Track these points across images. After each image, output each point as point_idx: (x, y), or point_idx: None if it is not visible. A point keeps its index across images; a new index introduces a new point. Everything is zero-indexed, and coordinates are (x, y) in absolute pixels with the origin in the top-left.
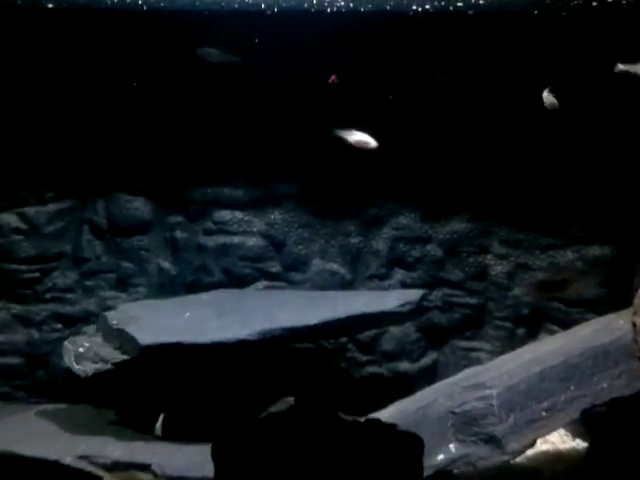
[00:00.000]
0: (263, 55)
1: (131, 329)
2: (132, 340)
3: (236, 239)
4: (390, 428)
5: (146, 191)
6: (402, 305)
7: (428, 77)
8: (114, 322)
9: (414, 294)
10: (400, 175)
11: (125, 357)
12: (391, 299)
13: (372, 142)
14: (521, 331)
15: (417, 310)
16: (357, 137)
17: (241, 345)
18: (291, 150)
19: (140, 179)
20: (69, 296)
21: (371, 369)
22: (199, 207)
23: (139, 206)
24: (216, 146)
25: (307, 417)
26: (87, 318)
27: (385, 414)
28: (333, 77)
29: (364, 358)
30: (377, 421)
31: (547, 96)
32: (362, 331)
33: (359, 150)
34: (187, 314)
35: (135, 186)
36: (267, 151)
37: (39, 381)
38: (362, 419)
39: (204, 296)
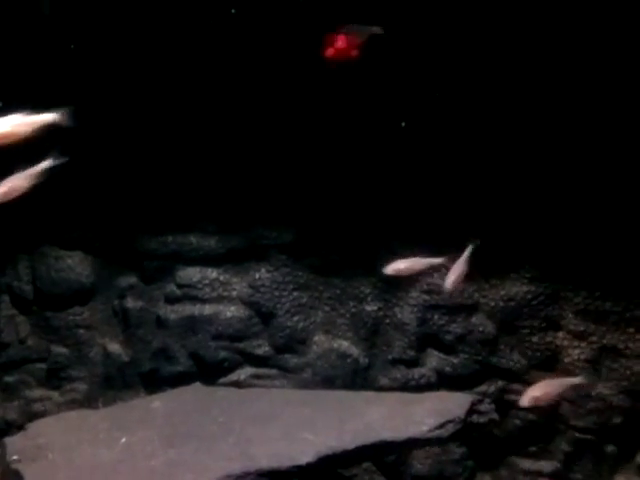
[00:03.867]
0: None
1: (31, 474)
2: None
3: (208, 309)
4: None
5: (84, 243)
6: (440, 426)
7: None
8: (14, 457)
9: (459, 403)
10: (433, 215)
11: None
12: (423, 413)
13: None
14: (611, 449)
15: (463, 430)
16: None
17: None
18: (281, 181)
19: (75, 226)
20: None
21: None
22: (157, 263)
23: (75, 265)
24: (178, 177)
25: None
26: (7, 431)
27: None
28: (340, 37)
29: None
30: None
31: None
32: (379, 459)
33: (377, 182)
34: (123, 439)
35: (68, 236)
36: (248, 183)
37: None
38: None
39: (156, 403)
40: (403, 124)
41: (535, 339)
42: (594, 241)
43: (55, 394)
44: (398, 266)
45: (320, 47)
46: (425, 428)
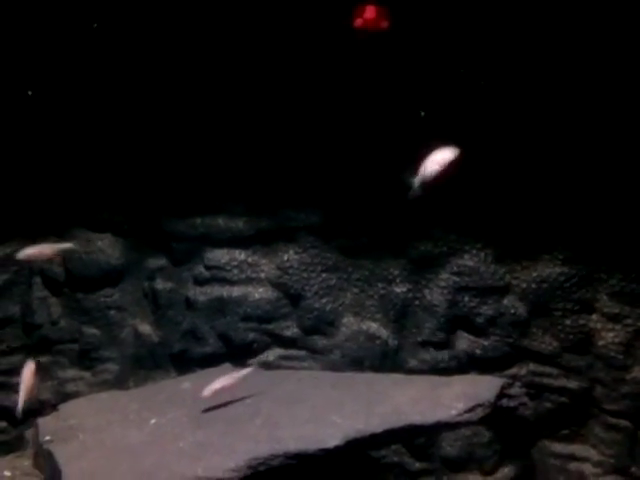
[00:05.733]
0: None
1: (62, 454)
2: (58, 476)
3: (236, 290)
4: None
5: (113, 225)
6: (469, 410)
7: None
8: (46, 437)
9: (489, 386)
10: (463, 195)
11: None
12: (452, 396)
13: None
14: None
15: (493, 414)
16: None
17: None
18: (309, 162)
19: (105, 208)
20: (16, 380)
21: None
22: (186, 245)
23: (105, 247)
24: (205, 159)
25: None
26: (41, 411)
27: None
28: (370, 10)
29: (416, 465)
30: None
31: None
32: (407, 441)
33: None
34: (152, 421)
35: (98, 218)
36: (275, 164)
37: None
38: None
39: (185, 384)
40: (422, 113)
41: (568, 322)
42: (629, 221)
43: (87, 374)
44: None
45: (348, 24)
46: (454, 412)
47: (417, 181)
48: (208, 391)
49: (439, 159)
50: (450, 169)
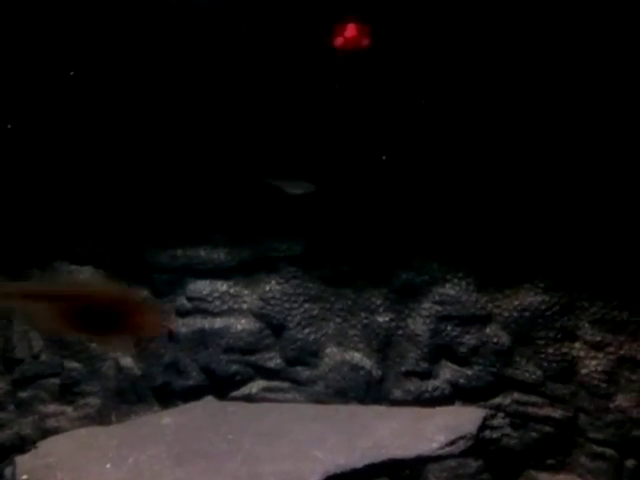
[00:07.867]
0: None
1: None
2: None
3: (219, 322)
4: None
5: (95, 257)
6: (451, 443)
7: None
8: (23, 477)
9: (471, 418)
10: (445, 224)
11: None
12: (434, 429)
13: None
14: (631, 463)
15: (475, 447)
16: None
17: None
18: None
19: (85, 240)
20: None
21: None
22: (168, 277)
23: (86, 279)
24: (186, 190)
25: None
26: (22, 447)
27: None
28: (350, 26)
29: None
30: None
31: None
32: (390, 475)
33: (385, 189)
34: (130, 459)
35: (79, 250)
36: (257, 195)
37: None
38: None
39: (166, 419)
40: (384, 157)
41: (551, 350)
42: (610, 249)
43: (69, 409)
44: None
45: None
46: (435, 445)
47: None
48: None
49: None
50: None
